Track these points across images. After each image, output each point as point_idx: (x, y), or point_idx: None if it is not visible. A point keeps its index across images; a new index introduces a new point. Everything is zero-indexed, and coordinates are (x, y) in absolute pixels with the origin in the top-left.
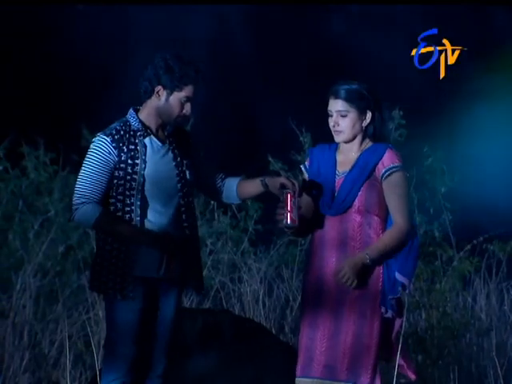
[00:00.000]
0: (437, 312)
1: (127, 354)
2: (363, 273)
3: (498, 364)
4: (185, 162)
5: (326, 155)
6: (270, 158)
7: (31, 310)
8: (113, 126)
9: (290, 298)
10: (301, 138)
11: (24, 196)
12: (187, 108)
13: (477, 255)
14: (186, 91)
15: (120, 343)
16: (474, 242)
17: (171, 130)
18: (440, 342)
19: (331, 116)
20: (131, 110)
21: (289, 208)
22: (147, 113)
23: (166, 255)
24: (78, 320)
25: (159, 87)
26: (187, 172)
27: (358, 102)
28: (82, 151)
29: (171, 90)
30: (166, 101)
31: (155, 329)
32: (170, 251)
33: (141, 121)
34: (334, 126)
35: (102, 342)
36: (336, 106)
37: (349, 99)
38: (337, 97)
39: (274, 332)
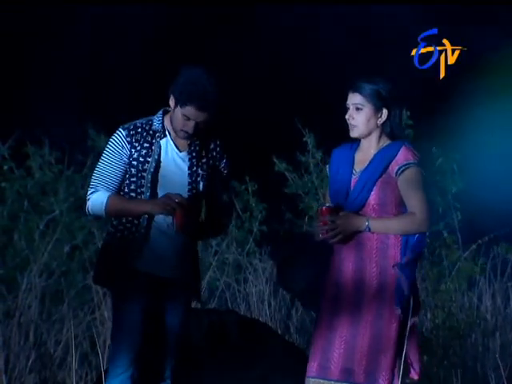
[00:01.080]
0: (442, 312)
1: (131, 347)
2: (352, 234)
3: (500, 365)
4: (201, 173)
5: (345, 155)
6: (275, 159)
7: (37, 310)
8: (136, 121)
9: (296, 299)
10: (304, 139)
11: (29, 196)
12: (188, 126)
13: (482, 255)
14: (187, 110)
15: (124, 337)
16: (479, 241)
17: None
18: (445, 342)
19: (348, 109)
20: (160, 111)
21: (323, 222)
22: (169, 117)
23: (176, 215)
24: (83, 320)
25: (172, 96)
26: (201, 183)
27: (375, 99)
28: (88, 151)
29: (176, 102)
30: (173, 111)
31: (163, 331)
32: (178, 210)
33: (163, 123)
34: (349, 119)
35: (108, 342)
36: (353, 99)
37: (365, 94)
38: (354, 90)
39: (279, 332)
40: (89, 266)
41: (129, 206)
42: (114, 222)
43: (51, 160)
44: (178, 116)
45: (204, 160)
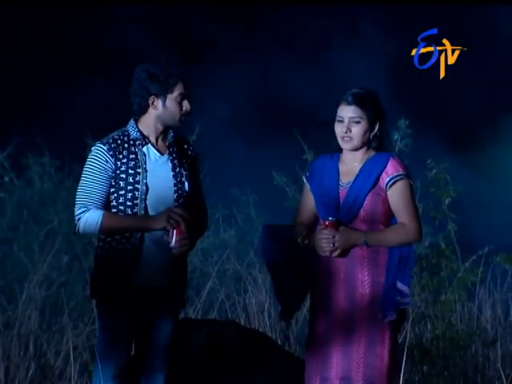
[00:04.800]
0: (442, 323)
1: (119, 361)
2: (349, 248)
3: (503, 375)
4: (184, 173)
5: (328, 166)
6: (274, 173)
7: (37, 320)
8: (111, 134)
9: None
10: (304, 156)
11: (28, 206)
12: (186, 105)
13: (482, 266)
14: (178, 89)
15: (112, 352)
16: (480, 252)
17: (173, 140)
18: (445, 352)
19: (342, 122)
20: (132, 120)
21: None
22: (146, 123)
23: (176, 229)
24: (83, 331)
25: (152, 98)
26: (186, 183)
27: (371, 111)
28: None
29: (164, 94)
30: (164, 107)
31: (153, 340)
32: (177, 224)
33: (140, 130)
34: (345, 132)
35: None
36: (349, 112)
37: (363, 106)
38: (350, 103)
39: (279, 342)
40: (88, 277)
41: (129, 224)
42: (102, 237)
43: (51, 171)
44: (173, 104)
45: (183, 160)
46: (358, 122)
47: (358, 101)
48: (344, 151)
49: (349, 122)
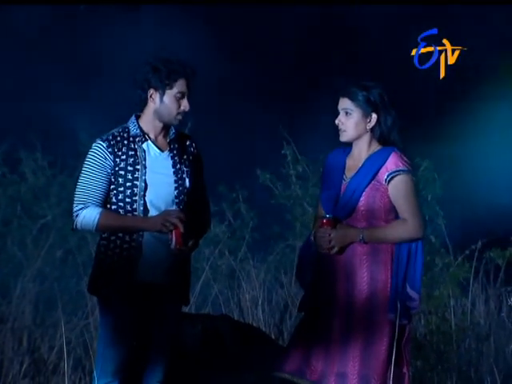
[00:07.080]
0: (436, 317)
1: (119, 358)
2: (347, 245)
3: (495, 370)
4: (185, 169)
5: (337, 160)
6: (258, 171)
7: (30, 315)
8: (111, 131)
9: (289, 304)
10: (283, 151)
11: (22, 201)
12: (184, 104)
13: (475, 261)
14: (178, 87)
15: (113, 348)
16: (473, 247)
17: (174, 136)
18: (439, 347)
19: (339, 114)
20: (132, 117)
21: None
22: (146, 119)
23: (175, 231)
24: (77, 325)
25: (151, 90)
26: (187, 180)
27: (364, 104)
28: (80, 155)
29: (163, 89)
30: (161, 102)
31: (152, 336)
32: (179, 225)
33: (140, 127)
34: (338, 124)
35: None
36: (342, 104)
37: (354, 99)
38: (344, 95)
39: (273, 337)
40: (82, 272)
41: (125, 224)
42: (105, 234)
43: (44, 165)
44: (170, 100)
45: (185, 157)
46: (349, 114)
47: (349, 93)
48: (353, 145)
49: (342, 114)
